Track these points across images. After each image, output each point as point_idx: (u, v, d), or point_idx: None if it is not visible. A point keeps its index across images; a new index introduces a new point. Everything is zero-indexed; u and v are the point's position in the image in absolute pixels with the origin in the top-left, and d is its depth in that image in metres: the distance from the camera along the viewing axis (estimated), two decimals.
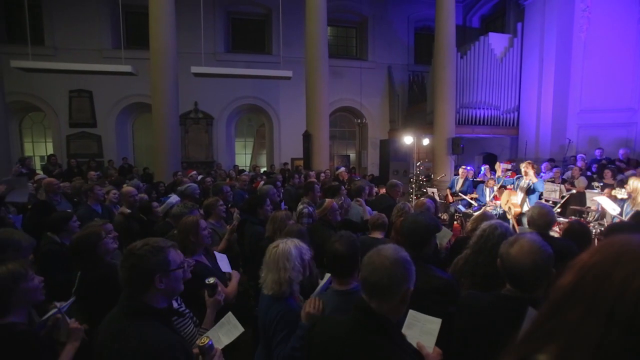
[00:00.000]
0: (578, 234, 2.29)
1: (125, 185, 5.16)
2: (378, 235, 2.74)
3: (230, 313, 1.86)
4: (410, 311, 1.51)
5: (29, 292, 1.52)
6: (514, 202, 4.64)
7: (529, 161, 4.81)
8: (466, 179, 7.25)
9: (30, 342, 1.44)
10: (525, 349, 0.49)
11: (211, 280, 1.73)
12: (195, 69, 7.80)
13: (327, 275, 2.04)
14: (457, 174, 7.62)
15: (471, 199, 6.80)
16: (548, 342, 0.46)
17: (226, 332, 1.78)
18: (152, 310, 1.29)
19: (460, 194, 7.04)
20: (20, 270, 1.51)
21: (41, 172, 7.40)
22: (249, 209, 3.30)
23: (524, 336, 0.51)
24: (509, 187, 5.06)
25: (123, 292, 1.32)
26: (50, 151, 11.37)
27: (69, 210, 3.51)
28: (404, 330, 1.46)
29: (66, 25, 10.75)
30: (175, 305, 1.88)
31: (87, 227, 2.23)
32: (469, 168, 7.59)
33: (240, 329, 1.78)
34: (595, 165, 7.32)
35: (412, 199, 8.56)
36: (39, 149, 11.83)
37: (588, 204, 5.79)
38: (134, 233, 3.43)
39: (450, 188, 7.36)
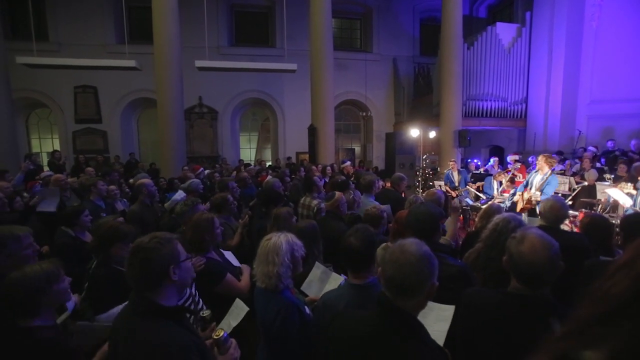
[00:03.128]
0: (599, 227, 2.23)
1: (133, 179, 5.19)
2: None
3: (237, 299, 1.91)
4: None
5: (60, 293, 1.48)
6: (524, 197, 4.56)
7: (544, 154, 4.62)
8: (460, 171, 7.23)
9: (55, 350, 1.39)
10: (568, 347, 0.45)
11: (205, 313, 1.68)
12: (199, 63, 7.76)
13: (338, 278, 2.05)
14: (449, 168, 7.52)
15: (477, 189, 6.73)
16: (595, 346, 0.42)
17: (235, 316, 1.84)
18: (163, 310, 1.25)
19: (467, 186, 6.96)
20: (54, 270, 1.47)
21: (47, 169, 7.46)
22: (266, 205, 3.28)
23: (565, 334, 0.47)
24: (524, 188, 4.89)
25: (133, 290, 1.28)
26: (57, 147, 11.47)
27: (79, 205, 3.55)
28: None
29: (70, 21, 10.74)
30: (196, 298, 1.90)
31: (122, 222, 2.25)
32: (453, 160, 7.63)
33: (246, 308, 1.83)
34: (603, 158, 7.19)
35: (418, 192, 8.50)
36: (46, 145, 11.90)
37: (598, 196, 5.69)
38: (147, 224, 3.46)
39: (449, 183, 7.24)
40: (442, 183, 7.25)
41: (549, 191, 4.28)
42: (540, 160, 4.48)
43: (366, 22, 13.08)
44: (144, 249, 1.25)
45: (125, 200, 4.72)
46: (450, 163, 7.43)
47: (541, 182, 4.40)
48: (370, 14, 12.79)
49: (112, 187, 4.37)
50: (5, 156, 7.75)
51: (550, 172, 4.44)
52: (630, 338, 0.40)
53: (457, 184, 7.09)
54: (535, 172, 4.67)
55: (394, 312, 1.12)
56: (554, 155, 5.03)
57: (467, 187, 6.88)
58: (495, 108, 10.10)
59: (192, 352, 1.19)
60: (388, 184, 5.26)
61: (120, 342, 1.23)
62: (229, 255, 2.56)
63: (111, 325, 1.37)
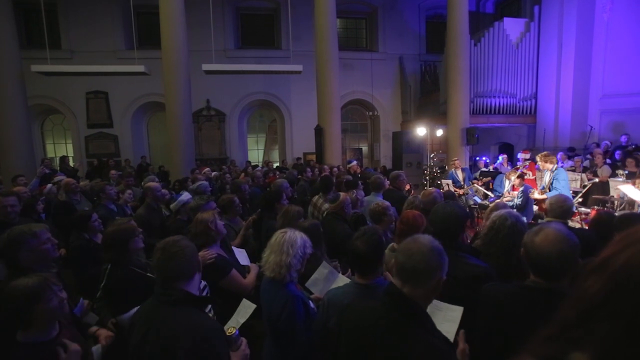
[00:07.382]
0: (606, 224, 2.18)
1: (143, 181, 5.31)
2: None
3: (244, 299, 2.01)
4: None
5: (48, 311, 1.36)
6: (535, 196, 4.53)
7: (541, 154, 4.59)
8: (463, 169, 7.14)
9: None
10: (552, 349, 0.46)
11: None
12: (206, 67, 7.86)
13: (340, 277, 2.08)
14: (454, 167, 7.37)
15: (485, 186, 6.63)
16: (574, 350, 0.42)
17: (243, 314, 1.93)
18: (194, 298, 1.36)
19: (472, 182, 6.87)
20: (38, 290, 1.33)
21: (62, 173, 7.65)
22: (266, 204, 3.33)
23: (549, 335, 0.47)
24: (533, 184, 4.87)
25: (161, 283, 1.35)
26: (71, 152, 11.79)
27: (88, 209, 3.66)
28: None
29: (81, 28, 11.01)
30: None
31: (119, 222, 2.32)
32: (481, 160, 7.46)
33: (253, 306, 1.92)
34: (618, 152, 6.99)
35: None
36: (60, 150, 12.22)
37: (611, 193, 5.55)
38: (154, 227, 3.53)
39: (454, 183, 7.13)
40: (449, 182, 7.18)
41: (559, 186, 4.24)
42: (540, 161, 4.52)
43: (372, 21, 13.04)
44: (186, 239, 1.40)
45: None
46: (455, 162, 7.31)
47: (549, 179, 4.38)
48: (376, 13, 12.74)
49: (129, 191, 4.47)
50: (22, 161, 8.02)
51: (555, 167, 4.41)
52: (608, 341, 0.40)
53: (462, 183, 7.01)
54: (541, 172, 4.66)
55: (401, 301, 1.15)
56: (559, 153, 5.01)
57: (472, 184, 6.77)
58: (503, 104, 9.95)
59: (221, 336, 1.32)
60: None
61: (150, 331, 1.27)
62: (239, 253, 2.61)
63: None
